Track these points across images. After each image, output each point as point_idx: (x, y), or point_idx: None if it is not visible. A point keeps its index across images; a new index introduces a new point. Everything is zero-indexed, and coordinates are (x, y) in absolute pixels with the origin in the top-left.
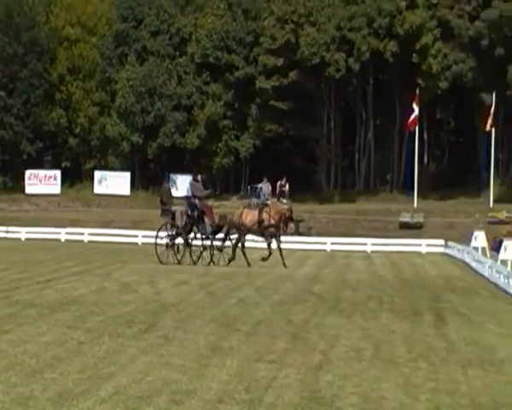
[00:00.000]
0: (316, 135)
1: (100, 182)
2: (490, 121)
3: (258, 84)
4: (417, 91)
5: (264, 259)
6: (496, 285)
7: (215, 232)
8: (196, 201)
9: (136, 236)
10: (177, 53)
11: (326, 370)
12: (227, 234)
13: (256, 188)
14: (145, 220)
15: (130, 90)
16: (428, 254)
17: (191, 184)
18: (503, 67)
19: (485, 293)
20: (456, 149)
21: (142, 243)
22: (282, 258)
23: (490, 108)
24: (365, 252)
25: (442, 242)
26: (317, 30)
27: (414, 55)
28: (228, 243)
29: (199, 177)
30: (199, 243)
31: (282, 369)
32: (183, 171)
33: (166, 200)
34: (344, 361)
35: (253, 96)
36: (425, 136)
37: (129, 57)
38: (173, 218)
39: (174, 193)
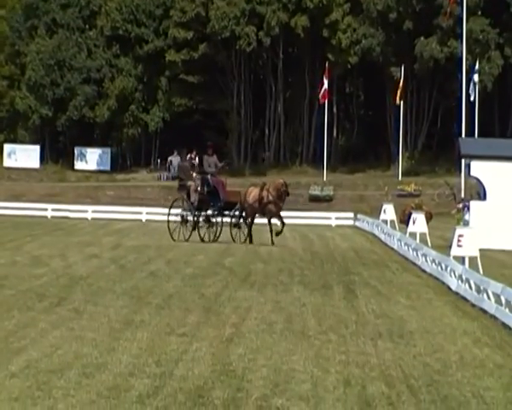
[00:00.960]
0: (226, 108)
1: (9, 155)
2: (399, 95)
3: (168, 58)
4: (327, 65)
5: (278, 233)
6: (405, 258)
7: (224, 209)
8: (208, 176)
9: (46, 209)
10: (87, 26)
11: (237, 343)
12: (241, 211)
13: (166, 161)
14: (55, 194)
15: (39, 62)
16: (338, 226)
17: (204, 159)
18: (412, 41)
19: (394, 265)
20: (365, 123)
21: (52, 217)
22: (272, 235)
23: (399, 82)
24: (276, 225)
25: (351, 215)
26: (227, 3)
27: (324, 29)
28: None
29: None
30: (217, 219)
31: (193, 342)
32: (92, 144)
33: (184, 176)
34: (255, 334)
35: (163, 69)
36: (335, 109)
37: (38, 30)
38: (188, 194)
39: (83, 166)
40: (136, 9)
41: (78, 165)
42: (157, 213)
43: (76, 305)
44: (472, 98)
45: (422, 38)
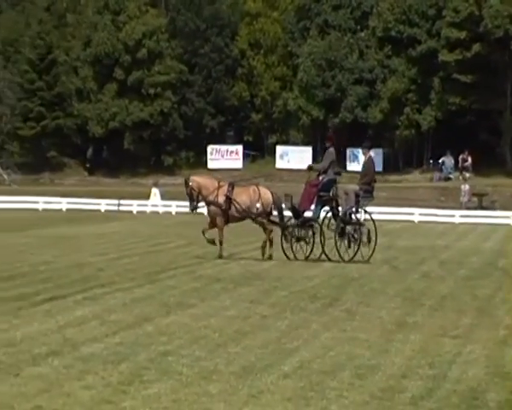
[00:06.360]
0: (499, 107)
1: (282, 157)
2: None
3: (440, 58)
4: None
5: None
6: None
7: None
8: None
9: None
10: (359, 27)
11: (511, 345)
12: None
13: (438, 162)
14: None
15: (311, 64)
16: None
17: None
18: None
19: None
20: None
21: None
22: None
23: None
24: None
25: None
26: (500, 2)
27: None
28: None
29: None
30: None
31: (466, 344)
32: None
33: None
34: None
35: (435, 69)
36: None
37: (310, 31)
38: None
39: (355, 168)
40: (409, 10)
41: (350, 166)
42: (430, 215)
43: (348, 306)
44: None
45: None
